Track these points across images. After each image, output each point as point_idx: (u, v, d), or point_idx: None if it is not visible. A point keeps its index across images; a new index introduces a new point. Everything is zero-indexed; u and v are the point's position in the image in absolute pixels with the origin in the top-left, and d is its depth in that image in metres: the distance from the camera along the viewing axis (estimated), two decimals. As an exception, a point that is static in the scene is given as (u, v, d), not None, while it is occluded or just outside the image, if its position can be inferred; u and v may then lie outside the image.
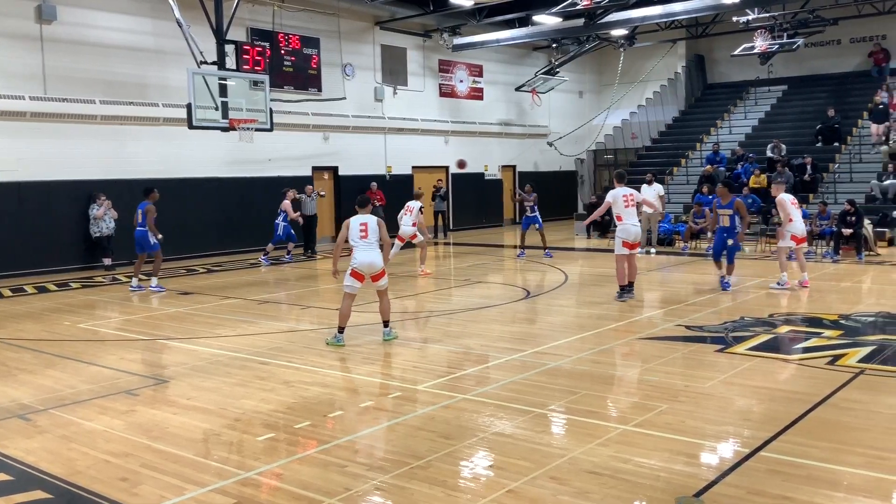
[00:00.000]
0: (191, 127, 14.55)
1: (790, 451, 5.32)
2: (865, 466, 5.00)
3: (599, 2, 19.06)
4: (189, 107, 14.19)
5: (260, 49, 16.07)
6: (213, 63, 14.87)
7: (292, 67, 20.94)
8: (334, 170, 22.61)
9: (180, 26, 14.64)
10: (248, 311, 11.54)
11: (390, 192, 23.25)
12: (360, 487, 4.86)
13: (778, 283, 12.35)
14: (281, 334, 9.78)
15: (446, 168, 26.00)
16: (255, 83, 15.34)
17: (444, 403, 6.59)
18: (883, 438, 5.52)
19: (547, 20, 22.69)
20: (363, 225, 8.93)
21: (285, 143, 20.69)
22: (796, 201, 12.81)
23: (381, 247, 8.94)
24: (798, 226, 12.43)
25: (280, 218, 17.83)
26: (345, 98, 22.05)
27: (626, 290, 11.68)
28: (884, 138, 21.06)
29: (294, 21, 20.90)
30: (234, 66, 15.33)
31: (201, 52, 14.66)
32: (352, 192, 22.59)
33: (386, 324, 9.23)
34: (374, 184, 22.80)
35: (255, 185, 20.27)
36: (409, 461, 5.25)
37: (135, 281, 13.94)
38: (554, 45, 26.73)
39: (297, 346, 8.99)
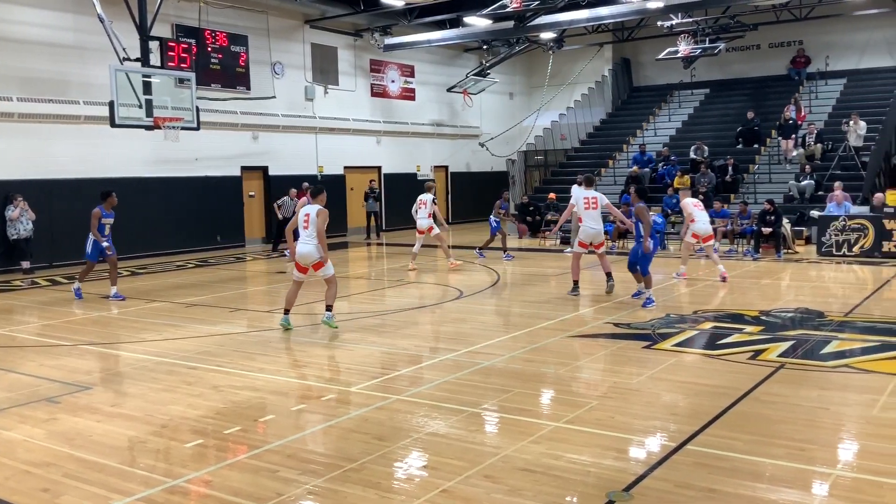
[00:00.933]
0: (113, 125, 14.11)
1: (715, 444, 5.48)
2: (787, 458, 5.19)
3: (528, 5, 19.27)
4: (111, 105, 13.77)
5: (186, 46, 15.74)
6: (137, 60, 14.46)
7: (220, 65, 20.53)
8: (264, 170, 22.26)
9: (102, 22, 14.19)
10: (175, 315, 11.26)
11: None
12: (293, 492, 4.79)
13: (677, 274, 13.70)
14: (209, 338, 9.57)
15: (378, 168, 25.91)
16: (181, 81, 14.98)
17: (378, 405, 6.56)
18: (803, 430, 5.74)
19: (477, 22, 22.84)
20: (307, 216, 9.37)
21: (213, 142, 20.28)
22: (700, 204, 14.12)
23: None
24: (700, 225, 13.59)
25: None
26: (274, 97, 21.75)
27: (577, 286, 12.16)
28: (793, 153, 21.69)
29: (221, 18, 20.50)
30: (158, 64, 14.96)
31: (124, 49, 14.24)
32: (282, 193, 22.36)
33: (328, 308, 9.51)
34: (305, 184, 22.50)
35: (182, 185, 19.79)
36: (342, 464, 5.20)
37: (114, 289, 12.90)
38: (485, 47, 26.94)
39: (227, 350, 8.82)
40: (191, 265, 17.39)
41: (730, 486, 4.72)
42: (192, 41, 17.82)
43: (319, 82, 23.71)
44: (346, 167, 24.68)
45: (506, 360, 8.05)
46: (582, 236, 12.26)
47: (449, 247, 15.81)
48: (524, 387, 7.05)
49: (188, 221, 19.92)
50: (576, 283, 12.14)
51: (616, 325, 9.78)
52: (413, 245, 16.37)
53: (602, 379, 7.24)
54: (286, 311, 9.75)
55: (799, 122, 22.32)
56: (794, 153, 21.53)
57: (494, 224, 17.67)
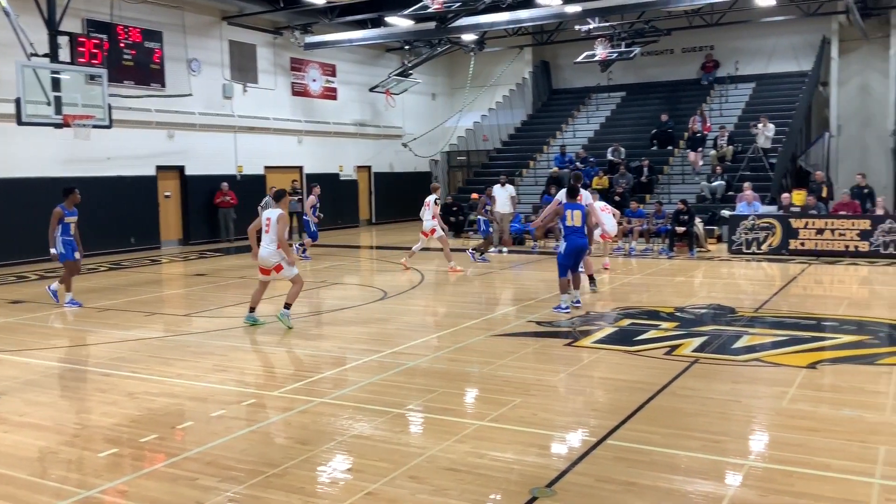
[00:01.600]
0: (20, 123, 13.54)
1: (634, 438, 5.62)
2: (701, 450, 5.36)
3: (450, 6, 19.36)
4: (18, 101, 13.21)
5: (97, 41, 15.18)
6: (46, 56, 13.90)
7: (133, 61, 19.89)
8: (181, 169, 21.68)
9: (7, 16, 13.59)
10: (87, 320, 10.86)
11: (242, 193, 22.65)
12: (213, 500, 4.68)
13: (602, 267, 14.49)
14: (123, 343, 9.26)
15: (300, 168, 25.59)
16: (92, 77, 14.47)
17: (301, 408, 6.48)
18: (717, 423, 5.94)
19: (399, 22, 22.82)
20: (268, 220, 9.69)
21: (126, 140, 19.64)
22: (607, 206, 14.99)
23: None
24: (606, 227, 14.25)
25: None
26: (191, 94, 21.19)
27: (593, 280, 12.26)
28: (700, 163, 22.08)
29: (134, 13, 19.86)
30: (68, 59, 14.41)
31: (31, 44, 13.68)
32: (200, 193, 21.89)
33: (287, 305, 9.81)
34: (224, 184, 22.12)
35: (93, 185, 19.03)
36: (264, 470, 5.11)
37: (68, 295, 12.01)
38: (406, 47, 26.93)
39: (142, 356, 8.55)
40: (103, 268, 16.79)
41: (648, 479, 4.85)
42: (104, 37, 17.17)
43: (238, 80, 23.24)
44: (266, 167, 24.27)
45: (430, 361, 8.06)
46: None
47: (451, 250, 15.80)
48: (449, 386, 7.08)
49: (100, 223, 19.17)
50: (591, 277, 12.35)
51: (539, 323, 9.92)
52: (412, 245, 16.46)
53: (525, 377, 7.34)
54: (251, 309, 10.12)
55: (705, 133, 22.96)
56: (702, 163, 22.04)
57: (484, 226, 17.60)
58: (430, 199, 15.78)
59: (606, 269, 14.65)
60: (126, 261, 18.20)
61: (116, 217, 19.59)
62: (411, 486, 4.82)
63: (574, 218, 10.57)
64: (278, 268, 9.77)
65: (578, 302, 10.86)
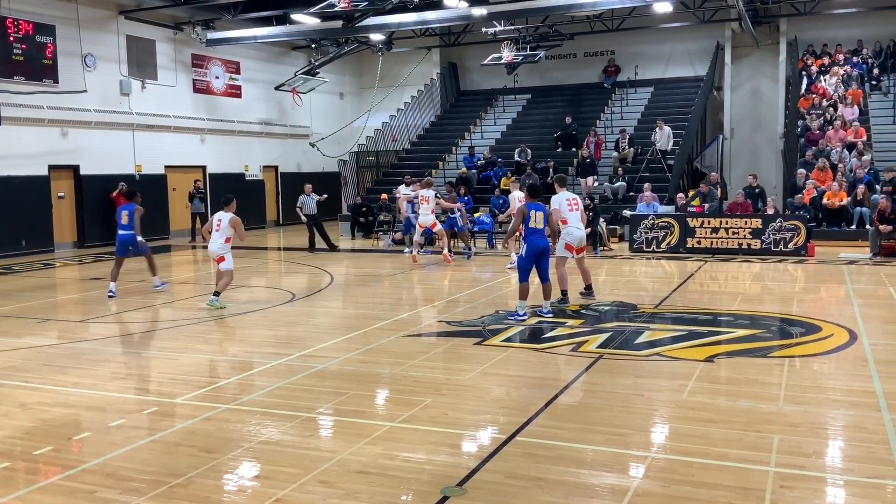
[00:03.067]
0: None
1: (542, 433, 5.72)
2: (606, 443, 5.51)
3: (357, 5, 19.24)
4: None
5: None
6: (-77, 47, 13.06)
7: (23, 56, 18.90)
8: (75, 169, 20.75)
9: None
10: (-26, 328, 10.25)
11: (141, 193, 21.82)
12: (113, 513, 4.50)
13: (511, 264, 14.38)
14: (14, 352, 8.79)
15: (203, 168, 24.90)
16: (-23, 72, 13.69)
17: (206, 415, 6.30)
18: (621, 417, 6.12)
19: (306, 20, 22.51)
20: (219, 221, 11.43)
21: (17, 139, 18.68)
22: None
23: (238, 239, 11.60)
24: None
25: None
26: (86, 91, 20.31)
27: (566, 296, 10.98)
28: (593, 186, 21.37)
29: (25, 6, 18.89)
30: (-51, 52, 13.59)
31: None
32: (95, 193, 21.03)
33: (216, 293, 11.31)
34: (122, 184, 21.28)
35: (-20, 185, 18.09)
36: (167, 480, 4.94)
37: (112, 286, 12.81)
38: (313, 46, 26.60)
39: (35, 364, 8.13)
40: (-9, 273, 15.90)
41: (556, 474, 4.94)
42: (-9, 29, 16.31)
43: (136, 76, 22.43)
44: (167, 166, 23.51)
45: (340, 363, 7.99)
46: (570, 239, 11.02)
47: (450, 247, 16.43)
48: (359, 388, 7.03)
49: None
50: (564, 292, 10.97)
51: (449, 322, 9.97)
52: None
53: (435, 377, 7.36)
54: (216, 294, 11.36)
55: (596, 160, 22.46)
56: (595, 185, 21.95)
57: (458, 223, 17.78)
58: (429, 194, 16.22)
59: None
60: (17, 265, 17.30)
61: (6, 219, 18.63)
62: (321, 490, 4.76)
63: (537, 219, 10.10)
64: (220, 259, 11.48)
65: (549, 312, 10.19)
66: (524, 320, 9.86)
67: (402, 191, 19.17)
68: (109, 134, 21.51)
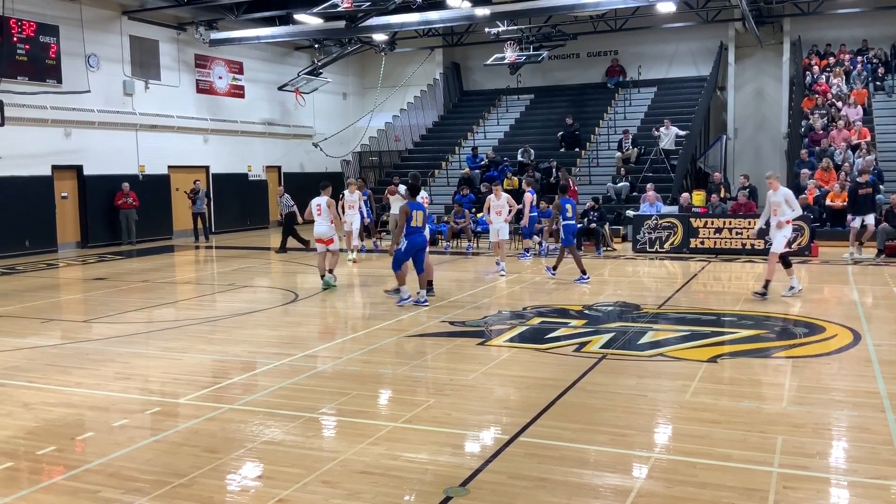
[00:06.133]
0: None
1: (545, 434, 5.71)
2: (610, 444, 5.50)
3: (360, 5, 19.24)
4: None
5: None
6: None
7: (27, 56, 18.94)
8: (78, 169, 20.78)
9: None
10: (-22, 328, 10.27)
11: (144, 194, 21.90)
12: (116, 513, 4.50)
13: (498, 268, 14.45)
14: (18, 352, 8.81)
15: (206, 168, 24.93)
16: (-19, 72, 13.72)
17: (209, 415, 6.30)
18: (624, 417, 6.11)
19: (309, 20, 22.52)
20: (318, 205, 12.49)
21: (20, 139, 18.71)
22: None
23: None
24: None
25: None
26: (89, 91, 20.33)
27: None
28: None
29: (28, 6, 18.92)
30: (-47, 52, 13.63)
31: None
32: (99, 194, 21.04)
33: (330, 271, 12.83)
34: (125, 184, 21.33)
35: (-17, 185, 18.12)
36: (170, 480, 4.95)
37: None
38: (316, 46, 26.61)
39: (38, 364, 8.15)
40: (-5, 273, 15.93)
41: (559, 475, 4.94)
42: (-6, 29, 16.35)
43: (139, 77, 22.46)
44: (170, 166, 23.53)
45: (343, 363, 7.99)
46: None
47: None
48: (362, 389, 7.03)
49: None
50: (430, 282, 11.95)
51: (452, 323, 9.97)
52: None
53: (438, 377, 7.36)
54: (322, 276, 12.73)
55: (572, 198, 21.97)
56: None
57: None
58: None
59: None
60: (20, 265, 17.33)
61: (9, 219, 18.66)
62: (324, 490, 4.76)
63: (417, 218, 11.16)
64: (330, 241, 12.66)
65: (426, 301, 11.15)
66: (407, 303, 11.10)
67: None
68: (113, 134, 21.54)
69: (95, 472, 5.15)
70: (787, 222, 11.32)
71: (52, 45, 19.61)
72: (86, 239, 21.05)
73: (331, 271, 12.99)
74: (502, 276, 13.99)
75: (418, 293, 11.27)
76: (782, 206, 11.22)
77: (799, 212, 11.68)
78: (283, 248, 19.09)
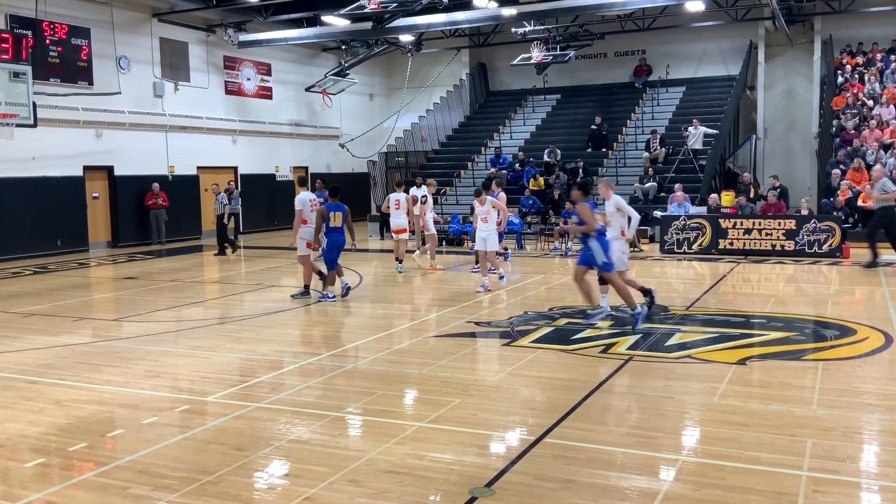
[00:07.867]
0: (-64, 121, 12.97)
1: (571, 435, 5.69)
2: (636, 446, 5.46)
3: (386, 6, 19.31)
4: (-66, 98, 12.67)
5: (21, 38, 14.66)
6: (-36, 50, 13.36)
7: (59, 59, 19.27)
8: (109, 169, 21.08)
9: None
10: (12, 326, 10.45)
11: (174, 194, 22.15)
12: (146, 509, 4.56)
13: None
14: (50, 350, 8.95)
15: (234, 168, 25.16)
16: (16, 75, 14.01)
17: (237, 414, 6.36)
18: (650, 419, 6.06)
19: (336, 21, 22.65)
20: (397, 200, 14.42)
21: (52, 140, 19.01)
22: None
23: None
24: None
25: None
26: (120, 93, 20.64)
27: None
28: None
29: (61, 9, 19.23)
30: (-11, 55, 13.89)
31: (-52, 38, 13.11)
32: (129, 194, 21.33)
33: (399, 260, 14.46)
34: (155, 185, 21.59)
35: (16, 186, 18.43)
36: (198, 477, 5.00)
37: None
38: (343, 47, 26.74)
39: (69, 362, 8.28)
40: (28, 272, 16.22)
41: (585, 476, 4.91)
42: (28, 33, 16.63)
43: (169, 78, 22.72)
44: (199, 167, 23.79)
45: (369, 363, 8.02)
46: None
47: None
48: (388, 388, 7.05)
49: (25, 225, 18.58)
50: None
51: (477, 323, 9.96)
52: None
53: (464, 377, 7.36)
54: (398, 261, 14.69)
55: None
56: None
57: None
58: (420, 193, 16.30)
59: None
60: (52, 264, 17.61)
61: (42, 219, 18.97)
62: (350, 489, 4.78)
63: (336, 219, 11.95)
64: (403, 230, 14.92)
65: (334, 297, 11.90)
66: (333, 300, 11.71)
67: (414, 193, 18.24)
68: (143, 135, 21.83)
69: (125, 468, 5.22)
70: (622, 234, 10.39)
71: (84, 48, 19.91)
72: (116, 239, 21.34)
73: (400, 260, 14.53)
74: (501, 279, 13.23)
75: (325, 289, 11.96)
76: (615, 216, 10.29)
77: (635, 215, 10.63)
78: (221, 251, 19.09)
